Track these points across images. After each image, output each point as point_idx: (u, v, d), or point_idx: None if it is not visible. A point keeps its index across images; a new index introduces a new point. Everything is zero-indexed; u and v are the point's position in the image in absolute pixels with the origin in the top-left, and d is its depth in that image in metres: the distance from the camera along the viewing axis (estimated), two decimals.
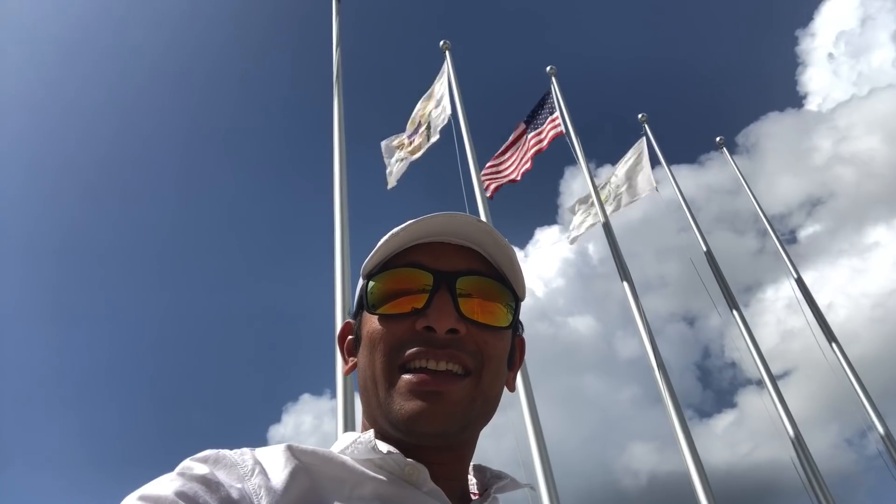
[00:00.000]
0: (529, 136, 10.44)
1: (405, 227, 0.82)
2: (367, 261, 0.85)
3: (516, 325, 0.88)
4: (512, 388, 0.91)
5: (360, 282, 0.86)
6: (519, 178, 10.29)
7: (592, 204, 10.22)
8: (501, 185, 10.35)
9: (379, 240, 0.85)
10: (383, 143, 9.86)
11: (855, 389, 8.86)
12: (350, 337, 0.91)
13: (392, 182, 9.56)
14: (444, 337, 0.77)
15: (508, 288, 0.84)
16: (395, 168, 9.61)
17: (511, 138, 10.66)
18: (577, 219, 11.44)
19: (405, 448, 0.76)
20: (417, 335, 0.77)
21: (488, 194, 9.94)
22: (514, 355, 0.90)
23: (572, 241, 11.52)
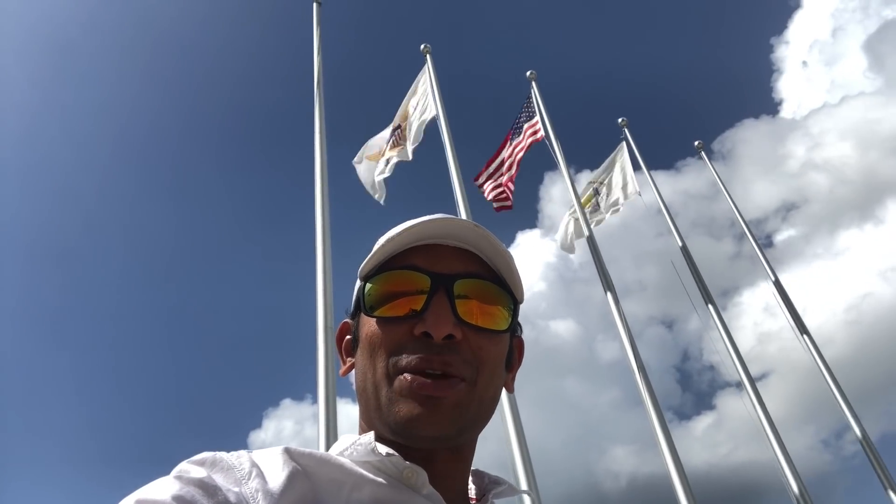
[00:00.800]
0: (513, 145, 10.42)
1: (402, 230, 0.81)
2: (365, 263, 0.84)
3: (515, 327, 0.87)
4: (511, 389, 0.90)
5: (357, 283, 0.86)
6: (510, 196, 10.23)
7: (574, 210, 10.26)
8: (504, 205, 10.20)
9: (364, 242, 0.86)
10: (358, 163, 9.58)
11: (832, 391, 8.97)
12: (348, 337, 0.91)
13: (382, 193, 9.29)
14: (441, 343, 0.76)
15: (507, 291, 0.84)
16: (376, 178, 9.36)
17: (500, 149, 10.61)
18: (569, 225, 11.37)
19: (405, 450, 0.75)
20: (415, 340, 0.77)
21: (494, 206, 9.89)
22: (513, 356, 0.90)
23: (569, 249, 11.36)
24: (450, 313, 0.77)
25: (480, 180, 10.33)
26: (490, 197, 10.19)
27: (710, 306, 9.75)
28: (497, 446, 5.49)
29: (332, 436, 4.51)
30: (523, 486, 5.06)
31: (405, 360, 0.76)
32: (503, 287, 0.83)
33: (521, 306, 0.87)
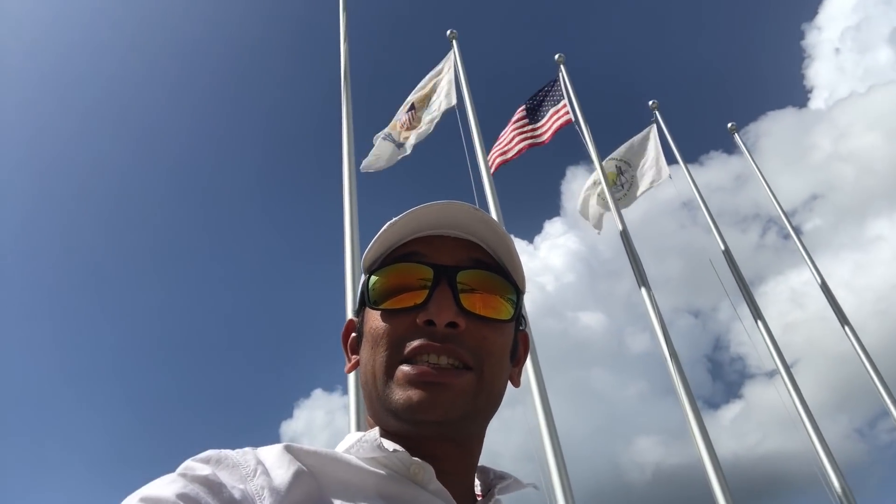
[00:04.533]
0: (528, 127, 10.34)
1: (402, 218, 0.81)
2: (366, 254, 0.84)
3: (519, 320, 0.87)
4: (517, 384, 0.90)
5: (363, 277, 0.86)
6: (515, 156, 10.20)
7: (599, 187, 10.21)
8: (502, 163, 10.24)
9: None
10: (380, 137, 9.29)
11: (872, 380, 8.76)
12: (353, 335, 0.91)
13: (376, 166, 8.90)
14: (443, 331, 0.76)
15: (510, 281, 0.83)
16: (381, 150, 8.99)
17: (513, 121, 10.55)
18: (591, 206, 11.29)
19: (411, 444, 0.74)
20: (419, 329, 0.77)
21: (492, 170, 9.76)
22: (518, 350, 0.89)
23: (598, 229, 11.30)
24: (452, 302, 0.77)
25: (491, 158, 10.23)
26: (497, 158, 10.13)
27: (744, 295, 9.59)
28: (523, 438, 5.47)
29: (361, 427, 4.54)
30: (555, 477, 5.04)
31: (408, 348, 0.76)
32: (506, 278, 0.83)
33: (549, 297, 0.84)
